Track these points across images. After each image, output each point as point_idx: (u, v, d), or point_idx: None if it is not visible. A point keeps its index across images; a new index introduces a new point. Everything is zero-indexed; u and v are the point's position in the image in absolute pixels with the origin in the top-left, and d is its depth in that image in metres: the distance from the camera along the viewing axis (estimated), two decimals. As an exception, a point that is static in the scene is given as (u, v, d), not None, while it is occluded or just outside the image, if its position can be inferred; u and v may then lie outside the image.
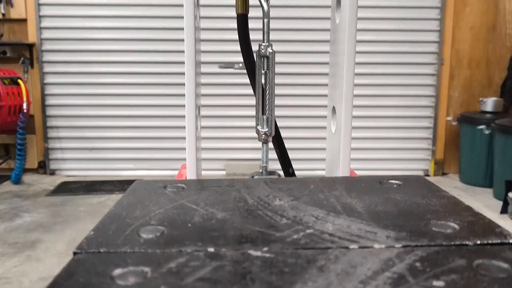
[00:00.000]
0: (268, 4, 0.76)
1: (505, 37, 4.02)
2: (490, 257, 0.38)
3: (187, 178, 0.77)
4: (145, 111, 4.02)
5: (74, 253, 0.39)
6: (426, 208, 0.50)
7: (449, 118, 4.07)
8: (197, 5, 0.77)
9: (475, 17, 3.98)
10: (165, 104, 3.99)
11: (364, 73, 3.92)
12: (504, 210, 3.04)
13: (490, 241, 0.41)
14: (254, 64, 0.84)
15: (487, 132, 3.61)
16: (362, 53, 3.84)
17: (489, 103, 3.81)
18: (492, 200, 3.43)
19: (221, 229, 0.44)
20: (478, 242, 0.41)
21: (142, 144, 4.07)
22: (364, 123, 4.01)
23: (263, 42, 0.77)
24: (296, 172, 0.94)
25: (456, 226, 0.45)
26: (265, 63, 0.78)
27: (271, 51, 0.77)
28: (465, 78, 4.09)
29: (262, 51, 0.77)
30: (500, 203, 3.09)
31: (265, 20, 0.77)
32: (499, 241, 0.41)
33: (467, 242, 0.41)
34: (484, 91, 4.09)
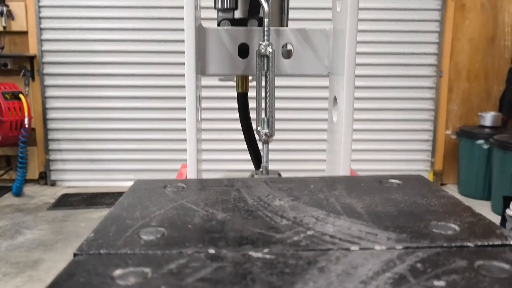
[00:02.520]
0: (268, 5, 0.76)
1: (504, 49, 4.03)
2: (491, 258, 0.38)
3: (187, 178, 0.76)
4: (145, 124, 4.04)
5: (74, 255, 0.39)
6: (426, 209, 0.50)
7: (448, 132, 4.09)
8: (198, 17, 0.77)
9: (474, 29, 3.99)
10: (165, 118, 4.01)
11: (363, 86, 3.93)
12: (502, 226, 3.02)
13: (491, 242, 0.41)
14: (254, 140, 0.89)
15: (485, 147, 3.62)
16: (361, 65, 3.84)
17: (488, 118, 3.82)
18: (491, 215, 3.43)
19: (221, 230, 0.44)
20: (479, 243, 0.41)
21: (142, 155, 4.08)
22: (363, 136, 4.03)
23: (263, 41, 0.77)
24: (296, 173, 0.95)
25: (457, 227, 0.45)
26: (265, 63, 0.78)
27: (271, 50, 0.77)
28: (464, 91, 4.11)
29: (262, 50, 0.77)
30: (498, 218, 3.09)
31: (265, 20, 0.77)
32: (500, 242, 0.41)
33: (467, 244, 0.41)
34: (483, 104, 4.10)
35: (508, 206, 2.98)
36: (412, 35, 3.97)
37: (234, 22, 0.85)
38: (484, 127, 3.83)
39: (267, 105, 0.78)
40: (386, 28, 3.94)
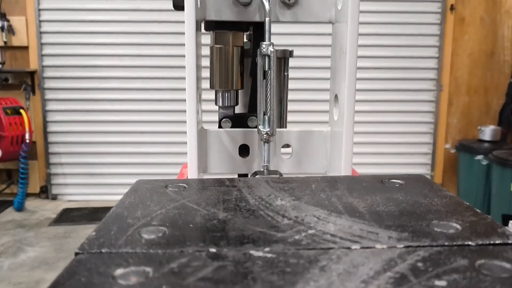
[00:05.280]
0: (269, 4, 0.76)
1: (503, 63, 4.04)
2: (493, 257, 0.38)
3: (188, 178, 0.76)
4: (146, 137, 4.05)
5: (76, 254, 0.39)
6: (428, 208, 0.50)
7: (447, 146, 4.09)
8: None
9: (473, 44, 4.01)
10: (166, 131, 4.02)
11: (363, 99, 3.94)
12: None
13: (492, 242, 0.41)
14: None
15: (484, 163, 3.60)
16: (362, 79, 3.85)
17: (487, 132, 3.81)
18: (490, 230, 3.42)
19: (223, 229, 0.44)
20: (481, 242, 0.41)
21: (142, 169, 4.09)
22: (363, 149, 4.04)
23: (265, 41, 0.77)
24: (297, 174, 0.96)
25: (458, 227, 0.44)
26: (266, 62, 0.78)
27: (272, 50, 0.77)
28: (464, 105, 4.12)
29: (264, 50, 0.77)
30: (499, 234, 3.08)
31: (267, 19, 0.77)
32: (501, 241, 0.41)
33: (469, 243, 0.41)
34: (483, 118, 4.11)
35: (507, 225, 2.96)
36: (412, 50, 3.99)
37: (235, 119, 0.88)
38: (483, 141, 3.82)
39: (268, 104, 0.78)
40: (386, 42, 3.96)
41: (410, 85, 4.03)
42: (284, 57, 0.93)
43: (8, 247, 3.09)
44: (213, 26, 0.84)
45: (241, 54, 0.86)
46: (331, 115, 0.83)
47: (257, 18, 0.80)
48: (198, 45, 0.75)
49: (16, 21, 3.89)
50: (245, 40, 0.92)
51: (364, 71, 3.88)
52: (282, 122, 0.96)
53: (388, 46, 3.96)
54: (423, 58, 4.00)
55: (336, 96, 0.80)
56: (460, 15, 3.96)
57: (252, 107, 0.91)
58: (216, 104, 0.89)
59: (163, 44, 3.89)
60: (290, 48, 0.93)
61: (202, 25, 0.83)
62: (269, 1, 0.76)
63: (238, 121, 0.88)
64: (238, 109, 0.93)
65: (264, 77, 0.79)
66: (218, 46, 0.85)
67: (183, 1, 0.70)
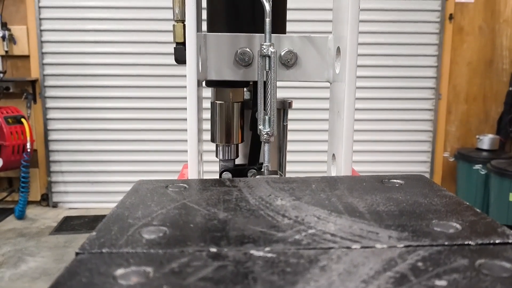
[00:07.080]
0: (270, 4, 0.76)
1: (501, 72, 4.06)
2: (493, 256, 0.38)
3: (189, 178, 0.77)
4: (146, 146, 4.06)
5: (77, 254, 0.39)
6: (428, 208, 0.50)
7: (446, 154, 4.10)
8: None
9: (472, 52, 4.03)
10: (166, 139, 4.03)
11: (362, 108, 3.95)
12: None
13: (492, 241, 0.41)
14: None
15: (483, 172, 3.60)
16: (361, 88, 3.86)
17: (486, 141, 3.81)
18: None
19: (223, 229, 0.44)
20: (480, 242, 0.41)
21: (143, 177, 4.08)
22: (361, 157, 4.05)
23: (265, 41, 0.77)
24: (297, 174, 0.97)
25: (458, 226, 0.45)
26: (266, 63, 0.78)
27: (272, 50, 0.77)
28: (462, 113, 4.14)
29: (264, 50, 0.77)
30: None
31: (267, 20, 0.77)
32: (501, 241, 0.41)
33: (469, 242, 0.41)
34: (481, 126, 4.13)
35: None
36: (411, 59, 4.00)
37: (235, 172, 0.90)
38: (481, 150, 3.82)
39: (268, 104, 0.78)
40: (385, 52, 3.97)
41: (409, 94, 4.06)
42: (283, 108, 0.94)
43: (9, 257, 3.09)
44: (214, 83, 0.86)
45: (241, 109, 0.89)
46: (329, 172, 0.84)
47: (257, 78, 0.81)
48: (200, 99, 0.76)
49: (17, 30, 3.90)
50: (245, 90, 0.93)
51: (363, 80, 3.89)
52: (281, 171, 0.97)
53: (387, 55, 3.97)
54: (422, 67, 4.02)
55: (333, 155, 0.81)
56: (459, 24, 3.98)
57: (252, 159, 0.93)
58: (216, 157, 0.91)
59: (164, 54, 3.89)
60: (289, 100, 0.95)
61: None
62: (269, 1, 0.76)
63: (238, 174, 0.90)
64: (238, 160, 0.94)
65: (265, 77, 0.79)
66: (219, 102, 0.87)
67: (185, 56, 0.71)
